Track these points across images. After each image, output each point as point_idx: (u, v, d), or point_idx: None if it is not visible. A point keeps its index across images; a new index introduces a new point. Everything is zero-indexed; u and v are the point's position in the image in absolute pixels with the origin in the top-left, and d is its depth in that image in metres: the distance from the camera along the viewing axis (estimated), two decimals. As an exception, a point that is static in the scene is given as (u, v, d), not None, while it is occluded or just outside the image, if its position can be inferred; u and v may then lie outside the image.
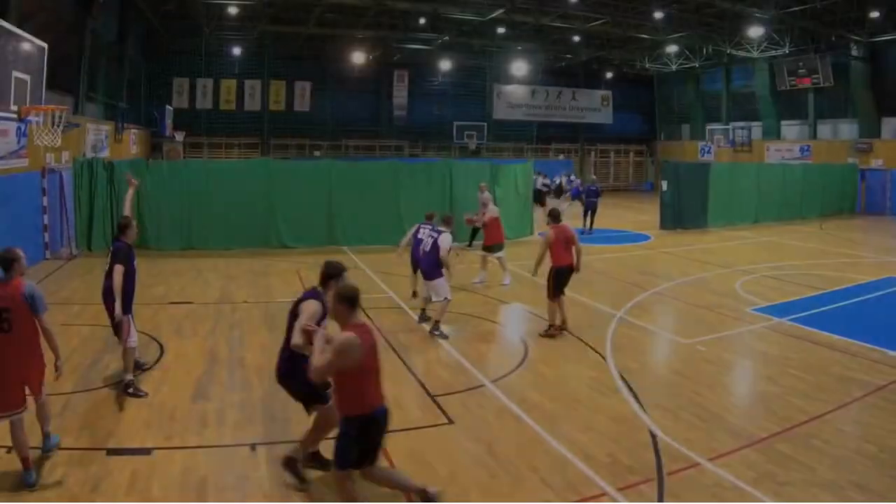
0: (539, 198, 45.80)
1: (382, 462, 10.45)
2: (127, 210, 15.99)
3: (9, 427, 10.39)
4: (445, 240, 18.88)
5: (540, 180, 52.03)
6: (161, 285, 23.77)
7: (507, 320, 21.39)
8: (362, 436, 9.14)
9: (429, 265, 19.13)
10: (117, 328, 14.27)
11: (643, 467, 11.10)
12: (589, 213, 40.75)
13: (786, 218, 46.94)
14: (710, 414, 13.38)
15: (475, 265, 27.09)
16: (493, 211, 26.29)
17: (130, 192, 16.63)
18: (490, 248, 25.88)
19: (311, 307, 10.40)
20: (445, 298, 18.83)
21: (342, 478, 9.27)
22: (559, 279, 18.96)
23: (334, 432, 9.74)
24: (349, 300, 9.18)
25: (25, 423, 10.58)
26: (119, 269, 13.90)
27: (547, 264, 19.33)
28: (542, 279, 19.43)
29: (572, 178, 61.39)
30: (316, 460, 10.99)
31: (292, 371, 10.54)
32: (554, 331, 18.76)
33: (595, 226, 40.50)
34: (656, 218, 42.88)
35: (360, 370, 8.98)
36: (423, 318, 19.79)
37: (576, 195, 44.65)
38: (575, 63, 72.97)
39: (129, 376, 14.25)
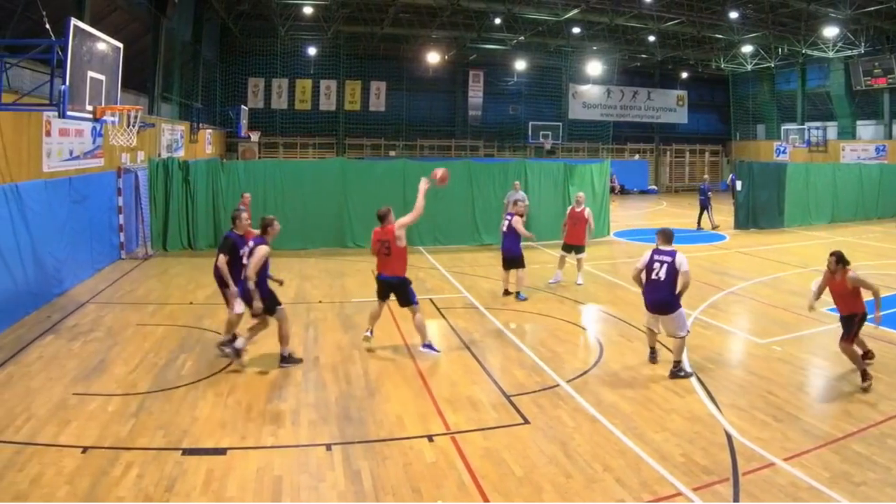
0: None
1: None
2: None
3: None
4: (682, 260, 15.85)
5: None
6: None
7: (582, 320, 21.29)
8: None
9: (667, 295, 15.82)
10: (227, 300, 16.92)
11: (718, 467, 11.14)
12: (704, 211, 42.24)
13: (862, 218, 46.32)
14: (785, 414, 13.34)
15: (550, 265, 27.08)
16: (588, 211, 25.95)
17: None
18: (574, 247, 25.59)
19: (262, 250, 15.40)
20: (687, 332, 16.17)
21: None
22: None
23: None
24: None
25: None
26: (222, 258, 16.44)
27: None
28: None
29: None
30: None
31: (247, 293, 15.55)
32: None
33: (671, 226, 40.42)
34: (731, 218, 42.61)
35: None
36: (654, 358, 16.75)
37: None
38: (650, 63, 72.52)
39: (226, 337, 16.80)
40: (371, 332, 17.51)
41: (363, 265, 19.14)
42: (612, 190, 51.39)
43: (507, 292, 23.47)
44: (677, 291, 15.51)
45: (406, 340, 18.17)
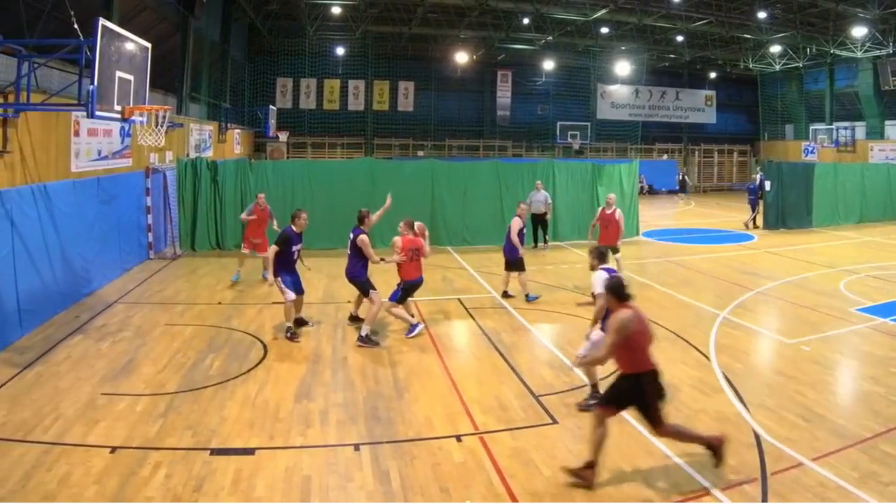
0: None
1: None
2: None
3: None
4: (594, 281, 14.38)
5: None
6: (264, 285, 23.97)
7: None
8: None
9: None
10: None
11: (746, 467, 11.09)
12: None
13: (891, 218, 45.87)
14: (814, 414, 13.28)
15: (578, 265, 27.04)
16: (619, 213, 25.61)
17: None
18: (609, 249, 24.89)
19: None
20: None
21: None
22: None
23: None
24: None
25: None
26: (272, 249, 17.94)
27: None
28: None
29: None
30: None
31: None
32: None
33: (699, 226, 40.49)
34: (759, 218, 42.33)
35: None
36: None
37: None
38: (678, 63, 72.20)
39: (289, 323, 18.24)
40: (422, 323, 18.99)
41: (391, 265, 19.13)
42: (640, 190, 51.44)
43: (505, 294, 23.27)
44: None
45: (435, 340, 18.15)
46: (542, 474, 10.94)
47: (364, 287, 18.43)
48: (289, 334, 17.98)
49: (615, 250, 24.53)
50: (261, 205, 24.43)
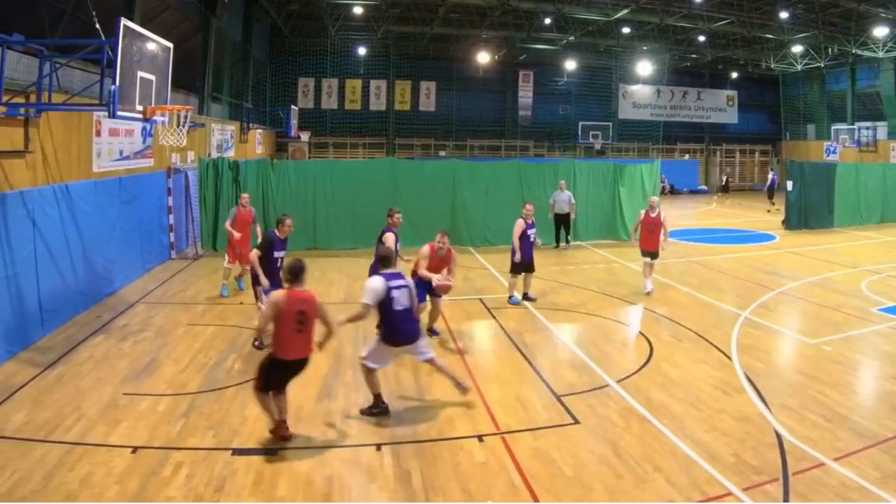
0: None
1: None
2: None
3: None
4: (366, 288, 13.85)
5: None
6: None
7: (632, 320, 21.13)
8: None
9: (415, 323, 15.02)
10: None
11: (768, 467, 11.06)
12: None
13: (913, 218, 45.66)
14: (836, 414, 13.25)
15: (600, 265, 26.93)
16: (664, 215, 24.49)
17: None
18: (651, 254, 24.19)
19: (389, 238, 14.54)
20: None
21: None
22: None
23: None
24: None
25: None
26: (255, 253, 17.50)
27: None
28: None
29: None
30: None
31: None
32: None
33: (721, 226, 40.56)
34: (781, 218, 42.26)
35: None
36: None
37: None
38: (700, 63, 71.95)
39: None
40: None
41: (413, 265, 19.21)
42: (662, 190, 51.42)
43: (526, 296, 22.89)
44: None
45: (456, 341, 18.24)
46: (564, 475, 10.92)
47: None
48: (256, 343, 17.40)
49: (654, 255, 24.11)
50: (245, 207, 23.12)
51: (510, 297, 22.53)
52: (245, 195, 23.71)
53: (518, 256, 22.15)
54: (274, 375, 11.98)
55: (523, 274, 22.71)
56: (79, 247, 19.95)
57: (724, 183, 66.92)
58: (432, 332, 18.63)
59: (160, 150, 27.35)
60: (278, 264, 17.48)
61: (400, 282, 13.36)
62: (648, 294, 23.60)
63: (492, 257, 29.77)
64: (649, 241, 24.04)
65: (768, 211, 49.28)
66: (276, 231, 18.05)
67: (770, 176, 52.53)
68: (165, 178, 28.54)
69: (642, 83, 72.92)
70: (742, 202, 56.39)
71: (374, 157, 64.77)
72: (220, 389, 14.50)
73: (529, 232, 22.40)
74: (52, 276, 18.30)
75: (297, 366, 12.08)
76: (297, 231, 27.52)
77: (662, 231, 24.06)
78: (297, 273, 12.00)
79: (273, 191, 31.07)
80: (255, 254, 17.44)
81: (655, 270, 24.44)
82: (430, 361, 13.91)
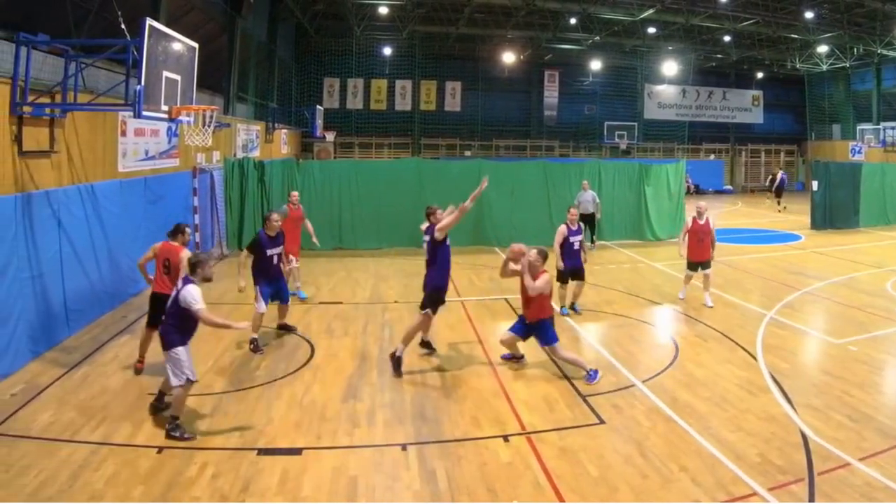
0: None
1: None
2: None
3: None
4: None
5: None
6: (311, 285, 24.04)
7: (657, 321, 21.18)
8: None
9: None
10: None
11: (794, 467, 11.03)
12: None
13: (939, 218, 45.35)
14: (861, 414, 13.20)
15: (625, 265, 26.91)
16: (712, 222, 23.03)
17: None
18: (700, 264, 22.69)
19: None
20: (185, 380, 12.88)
21: None
22: None
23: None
24: None
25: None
26: (244, 254, 17.86)
27: None
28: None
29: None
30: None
31: None
32: None
33: (746, 226, 40.51)
34: (807, 218, 42.17)
35: None
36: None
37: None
38: (725, 63, 71.69)
39: (254, 335, 17.44)
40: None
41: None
42: (687, 190, 51.30)
43: (572, 306, 21.61)
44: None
45: (482, 341, 18.34)
46: (590, 475, 10.91)
47: (423, 300, 16.67)
48: (252, 346, 17.37)
49: (706, 265, 22.59)
50: (295, 204, 23.01)
51: (560, 308, 20.98)
52: (295, 193, 23.73)
53: (561, 264, 20.85)
54: None
55: (571, 282, 21.28)
56: (104, 247, 20.05)
57: (774, 184, 63.59)
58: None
59: (185, 150, 27.35)
60: (274, 262, 17.88)
61: None
62: (682, 300, 22.86)
63: (517, 258, 29.67)
64: (699, 251, 22.53)
65: (779, 211, 49.60)
66: (264, 230, 18.11)
67: (779, 175, 52.58)
68: (191, 178, 28.58)
69: (668, 83, 72.70)
70: (768, 202, 56.18)
71: (400, 157, 64.84)
72: (245, 389, 14.57)
73: (573, 239, 21.06)
74: (78, 276, 18.44)
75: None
76: (323, 231, 27.58)
77: (713, 241, 22.81)
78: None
79: (298, 191, 31.10)
80: (244, 255, 17.80)
81: (680, 270, 24.20)
82: None
